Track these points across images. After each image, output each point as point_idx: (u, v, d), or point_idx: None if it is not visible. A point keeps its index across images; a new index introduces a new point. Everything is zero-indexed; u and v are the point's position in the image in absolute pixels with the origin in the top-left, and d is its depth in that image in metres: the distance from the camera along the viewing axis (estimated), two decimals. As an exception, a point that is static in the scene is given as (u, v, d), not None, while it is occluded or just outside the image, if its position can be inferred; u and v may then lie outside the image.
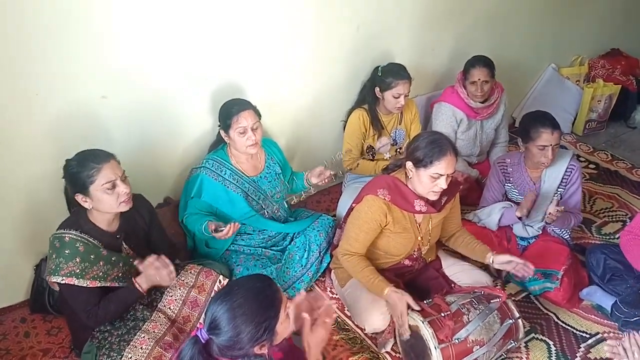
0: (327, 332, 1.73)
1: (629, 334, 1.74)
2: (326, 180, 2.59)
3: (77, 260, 1.93)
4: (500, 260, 2.27)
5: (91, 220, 2.01)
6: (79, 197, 1.94)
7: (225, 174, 2.49)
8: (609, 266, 2.50)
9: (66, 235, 1.94)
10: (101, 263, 1.99)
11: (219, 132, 2.50)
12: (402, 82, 2.78)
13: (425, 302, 2.14)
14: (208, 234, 2.33)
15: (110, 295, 2.03)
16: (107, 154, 1.97)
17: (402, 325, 2.09)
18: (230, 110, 2.38)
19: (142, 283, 2.02)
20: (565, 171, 2.60)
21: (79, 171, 1.90)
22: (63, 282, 1.93)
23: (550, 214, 2.44)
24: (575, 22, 4.10)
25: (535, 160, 2.56)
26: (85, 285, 1.96)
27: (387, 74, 2.81)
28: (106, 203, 1.95)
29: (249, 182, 2.54)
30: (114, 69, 2.25)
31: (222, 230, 2.28)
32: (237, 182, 2.50)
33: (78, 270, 1.93)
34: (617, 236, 2.94)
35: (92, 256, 1.97)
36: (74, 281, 1.93)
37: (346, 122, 2.98)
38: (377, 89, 2.86)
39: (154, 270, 2.00)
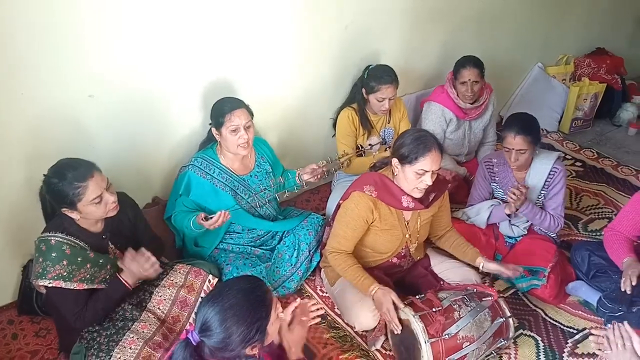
0: (305, 330, 1.74)
1: (614, 325, 1.75)
2: (318, 177, 2.59)
3: (64, 263, 1.91)
4: (490, 268, 2.33)
5: (76, 222, 1.99)
6: (66, 211, 1.92)
7: (214, 172, 2.48)
8: (594, 262, 2.53)
9: (52, 238, 1.92)
10: (88, 265, 1.97)
11: (209, 130, 2.49)
12: (384, 87, 2.78)
13: (417, 297, 2.15)
14: (197, 229, 2.32)
15: (97, 295, 2.02)
16: (89, 165, 1.92)
17: (391, 321, 2.10)
18: (223, 108, 2.37)
19: (127, 278, 2.02)
20: (549, 173, 2.60)
21: (64, 189, 1.86)
22: (50, 285, 1.91)
23: (512, 193, 2.47)
24: (561, 22, 4.15)
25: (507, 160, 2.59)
26: (72, 287, 1.94)
27: (371, 78, 2.82)
28: (94, 214, 1.96)
29: (238, 181, 2.53)
30: (102, 67, 2.23)
31: (212, 218, 2.27)
32: (225, 180, 2.49)
33: (65, 273, 1.92)
34: (603, 233, 2.98)
35: (79, 259, 1.95)
36: (62, 284, 1.92)
37: (335, 120, 2.99)
38: (363, 91, 2.87)
39: (136, 265, 2.00)
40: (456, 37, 3.50)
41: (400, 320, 2.09)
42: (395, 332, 2.10)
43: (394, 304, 2.10)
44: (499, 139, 3.41)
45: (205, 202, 2.47)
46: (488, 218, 2.70)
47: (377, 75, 2.80)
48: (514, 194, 2.48)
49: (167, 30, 2.33)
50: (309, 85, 2.97)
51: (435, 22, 3.34)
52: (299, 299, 1.75)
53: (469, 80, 2.98)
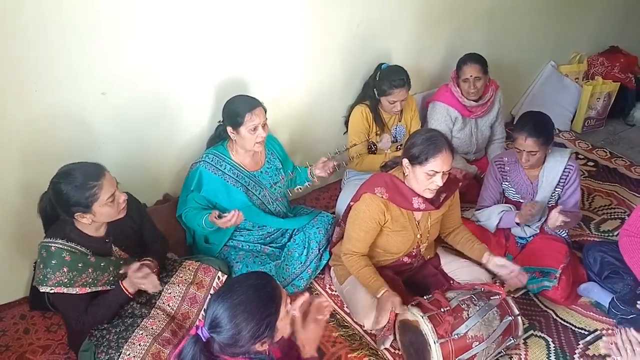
0: (320, 328, 1.73)
1: (621, 331, 1.74)
2: (330, 171, 2.59)
3: (65, 270, 1.91)
4: (496, 263, 2.29)
5: (77, 228, 1.98)
6: (78, 216, 1.91)
7: (225, 168, 2.48)
8: (607, 263, 2.50)
9: (52, 245, 1.92)
10: (90, 270, 1.97)
11: (217, 127, 2.49)
12: (396, 91, 2.77)
13: (425, 297, 2.14)
14: (210, 226, 2.33)
15: (98, 300, 2.03)
16: (97, 166, 1.92)
17: (378, 317, 2.11)
18: (242, 108, 2.37)
19: (128, 287, 2.03)
20: (563, 171, 2.58)
21: (78, 193, 1.85)
22: (52, 291, 1.92)
23: (558, 225, 2.45)
24: (575, 20, 4.11)
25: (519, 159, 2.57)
26: (74, 292, 1.95)
27: (383, 81, 2.80)
28: (108, 215, 1.96)
29: (249, 177, 2.53)
30: (115, 66, 2.25)
31: (225, 216, 2.27)
32: (237, 176, 2.50)
33: (66, 280, 1.92)
34: (615, 233, 2.95)
35: (79, 264, 1.94)
36: (63, 290, 1.93)
37: (348, 117, 2.98)
38: (375, 91, 2.86)
39: (139, 279, 1.99)
40: (467, 36, 3.47)
41: (409, 321, 2.09)
42: (375, 327, 2.11)
43: (397, 307, 2.10)
44: (508, 137, 3.39)
45: (216, 198, 2.48)
46: (498, 223, 2.67)
47: (389, 79, 2.79)
48: (531, 214, 2.49)
49: (180, 28, 2.34)
50: (319, 83, 2.97)
51: (445, 20, 3.32)
52: (307, 294, 1.73)
53: (471, 76, 2.96)
